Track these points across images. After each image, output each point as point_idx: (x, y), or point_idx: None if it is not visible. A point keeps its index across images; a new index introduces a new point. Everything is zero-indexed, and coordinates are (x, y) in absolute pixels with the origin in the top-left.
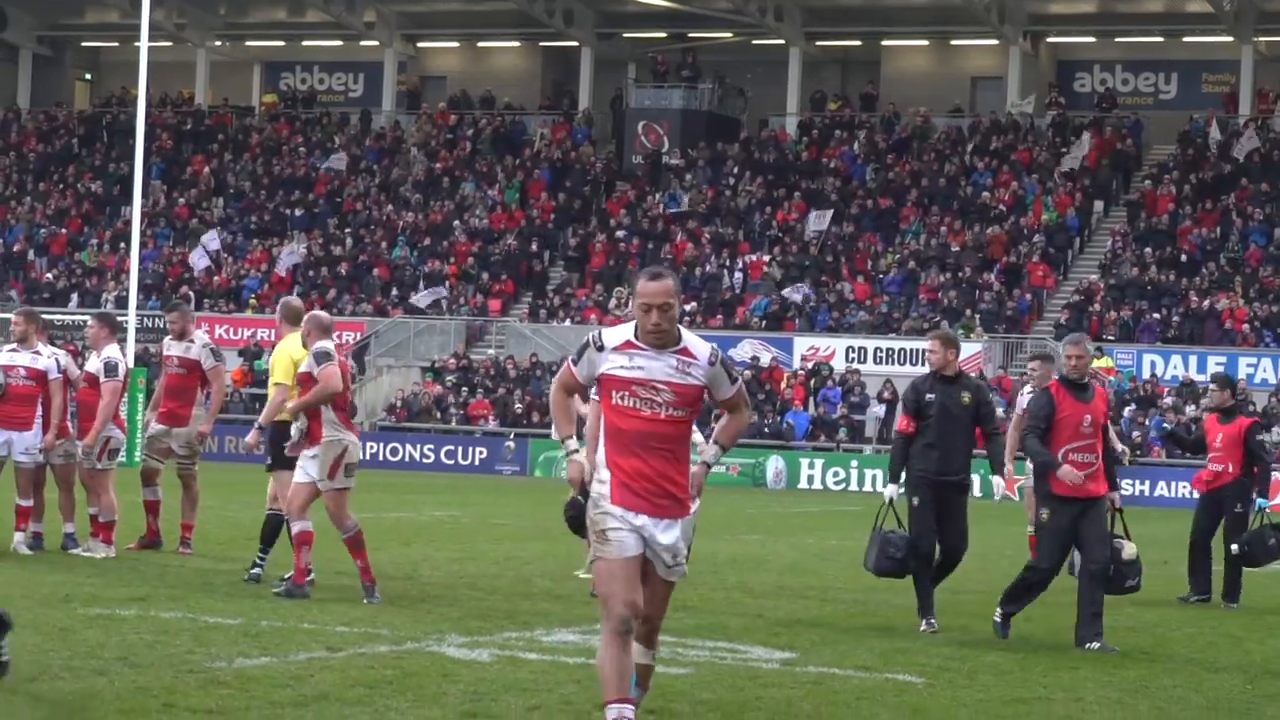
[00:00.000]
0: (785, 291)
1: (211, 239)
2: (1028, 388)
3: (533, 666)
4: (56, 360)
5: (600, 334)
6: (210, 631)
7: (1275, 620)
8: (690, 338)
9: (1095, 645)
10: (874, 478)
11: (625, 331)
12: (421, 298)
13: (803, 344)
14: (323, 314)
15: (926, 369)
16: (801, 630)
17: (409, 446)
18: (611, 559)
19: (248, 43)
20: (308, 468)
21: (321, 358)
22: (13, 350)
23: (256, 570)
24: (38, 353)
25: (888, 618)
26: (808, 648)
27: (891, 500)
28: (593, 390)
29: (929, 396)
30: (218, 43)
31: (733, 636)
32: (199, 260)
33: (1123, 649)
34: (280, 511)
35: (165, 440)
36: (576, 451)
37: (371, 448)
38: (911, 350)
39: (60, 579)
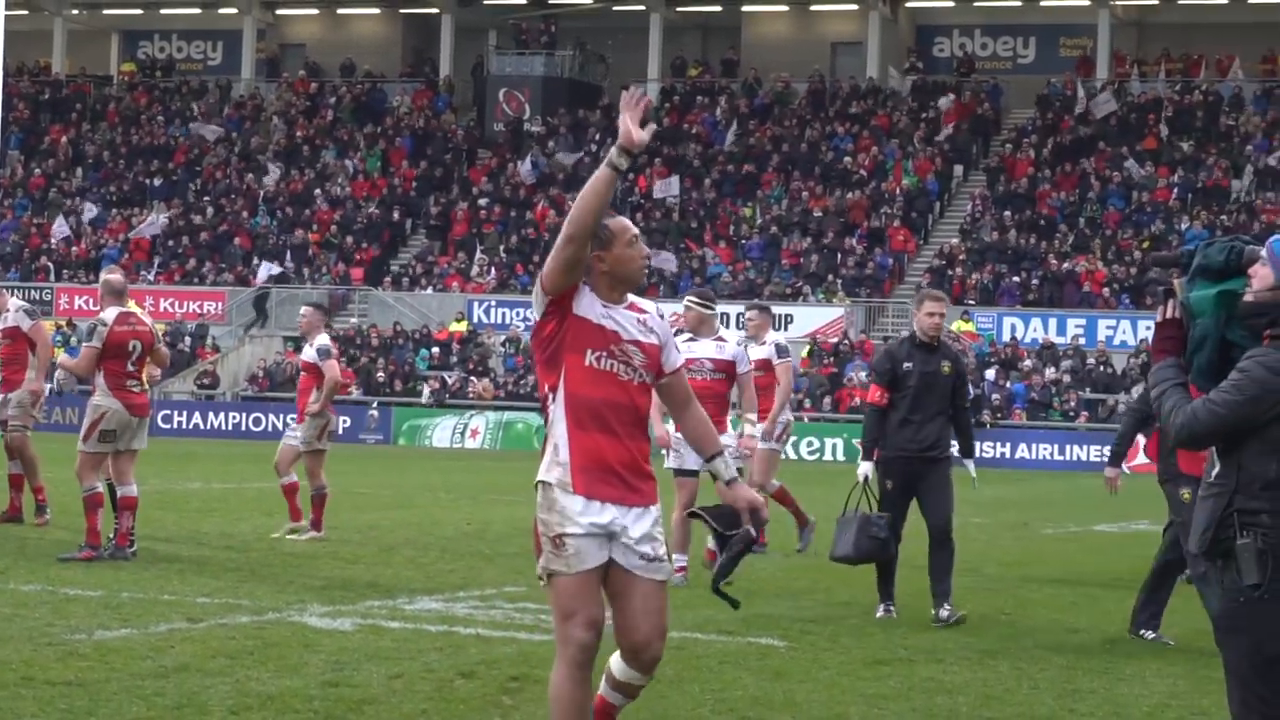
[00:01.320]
0: (654, 262)
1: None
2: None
3: (395, 635)
4: None
5: None
6: (70, 604)
7: (1134, 580)
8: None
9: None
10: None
11: None
12: (262, 270)
13: (666, 310)
14: (114, 277)
15: (905, 333)
16: None
17: (271, 416)
18: (570, 573)
19: (105, 11)
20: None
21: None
22: None
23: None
24: None
25: (751, 582)
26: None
27: (866, 479)
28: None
29: (907, 365)
30: (74, 11)
31: None
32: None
33: (984, 611)
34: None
35: (4, 410)
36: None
37: (234, 418)
38: (776, 315)
39: None
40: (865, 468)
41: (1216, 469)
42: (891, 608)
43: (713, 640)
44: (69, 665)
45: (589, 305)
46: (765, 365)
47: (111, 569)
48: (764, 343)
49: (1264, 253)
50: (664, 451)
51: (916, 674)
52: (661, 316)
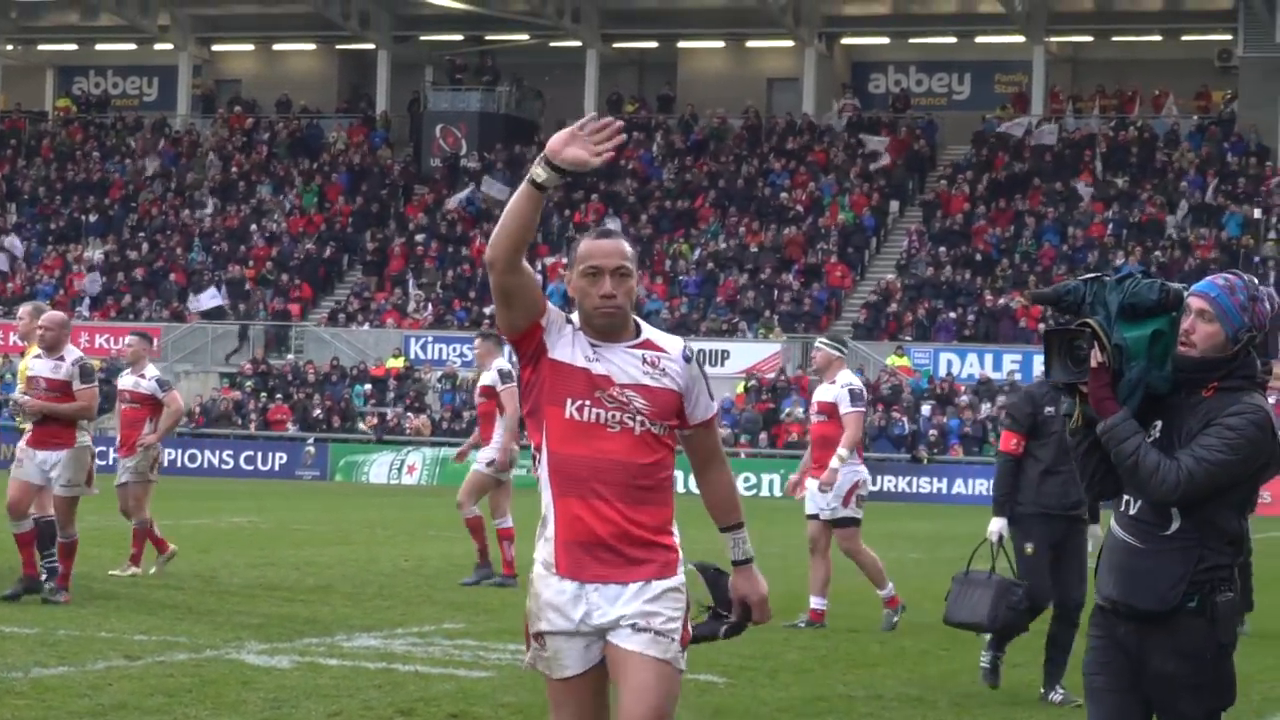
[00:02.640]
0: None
1: (210, 296)
2: None
3: (333, 672)
4: None
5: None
6: (6, 641)
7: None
8: (650, 328)
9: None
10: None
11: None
12: (202, 299)
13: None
14: (55, 313)
15: (1032, 380)
16: None
17: (208, 452)
18: (553, 677)
19: (40, 46)
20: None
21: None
22: None
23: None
24: None
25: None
26: None
27: (1000, 538)
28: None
29: (1048, 410)
30: (9, 46)
31: (488, 638)
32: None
33: (923, 647)
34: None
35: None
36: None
37: (170, 454)
38: (711, 351)
39: None
40: (998, 525)
41: (1177, 524)
42: (1065, 690)
43: None
44: (5, 704)
45: (570, 346)
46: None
47: (47, 607)
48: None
49: (1206, 305)
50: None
51: (856, 710)
52: (689, 359)
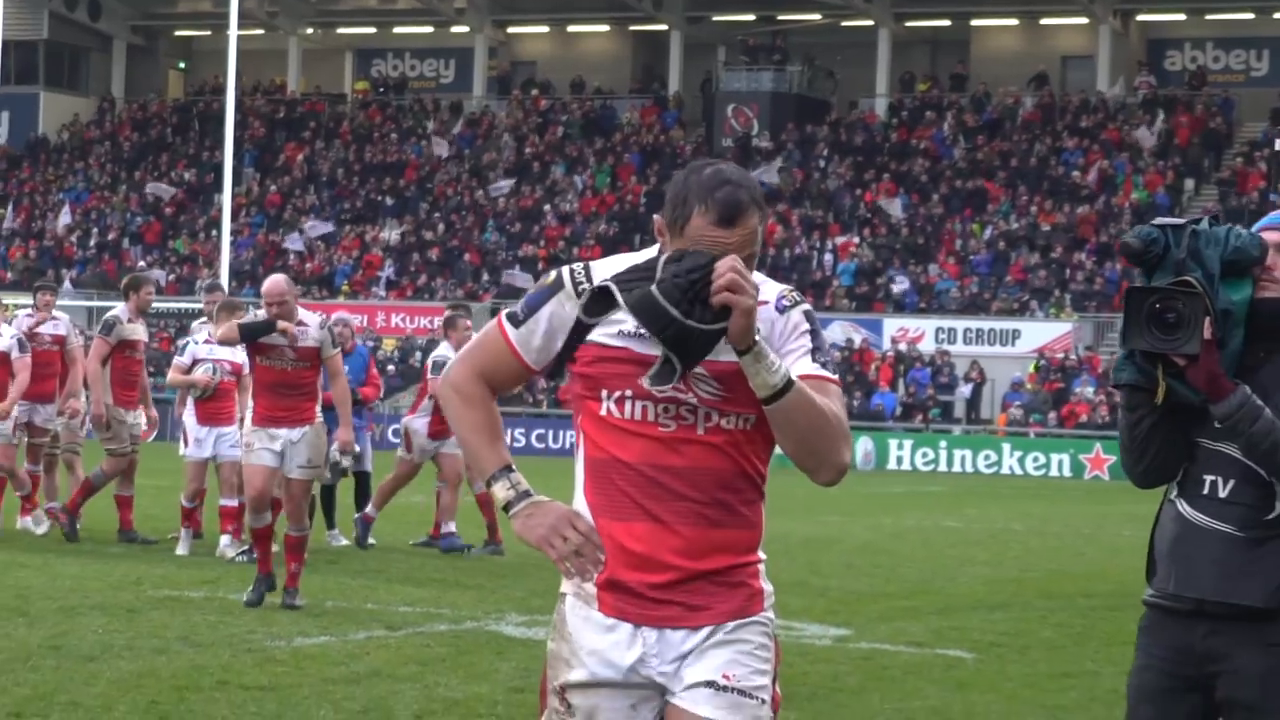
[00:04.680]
0: (892, 286)
1: (314, 227)
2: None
3: None
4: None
5: (588, 268)
6: (274, 612)
7: None
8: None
9: None
10: (962, 458)
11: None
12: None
13: (892, 325)
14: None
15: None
16: (860, 607)
17: (507, 429)
18: None
19: (339, 30)
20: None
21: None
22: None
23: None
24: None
25: (950, 596)
26: (863, 625)
27: None
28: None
29: None
30: (309, 30)
31: (790, 615)
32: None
33: None
34: None
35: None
36: (529, 494)
37: None
38: (1001, 330)
39: (135, 566)
40: None
41: None
42: None
43: (900, 651)
44: (265, 670)
45: (609, 319)
46: None
47: (320, 576)
48: None
49: None
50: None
51: (1100, 686)
52: (787, 308)
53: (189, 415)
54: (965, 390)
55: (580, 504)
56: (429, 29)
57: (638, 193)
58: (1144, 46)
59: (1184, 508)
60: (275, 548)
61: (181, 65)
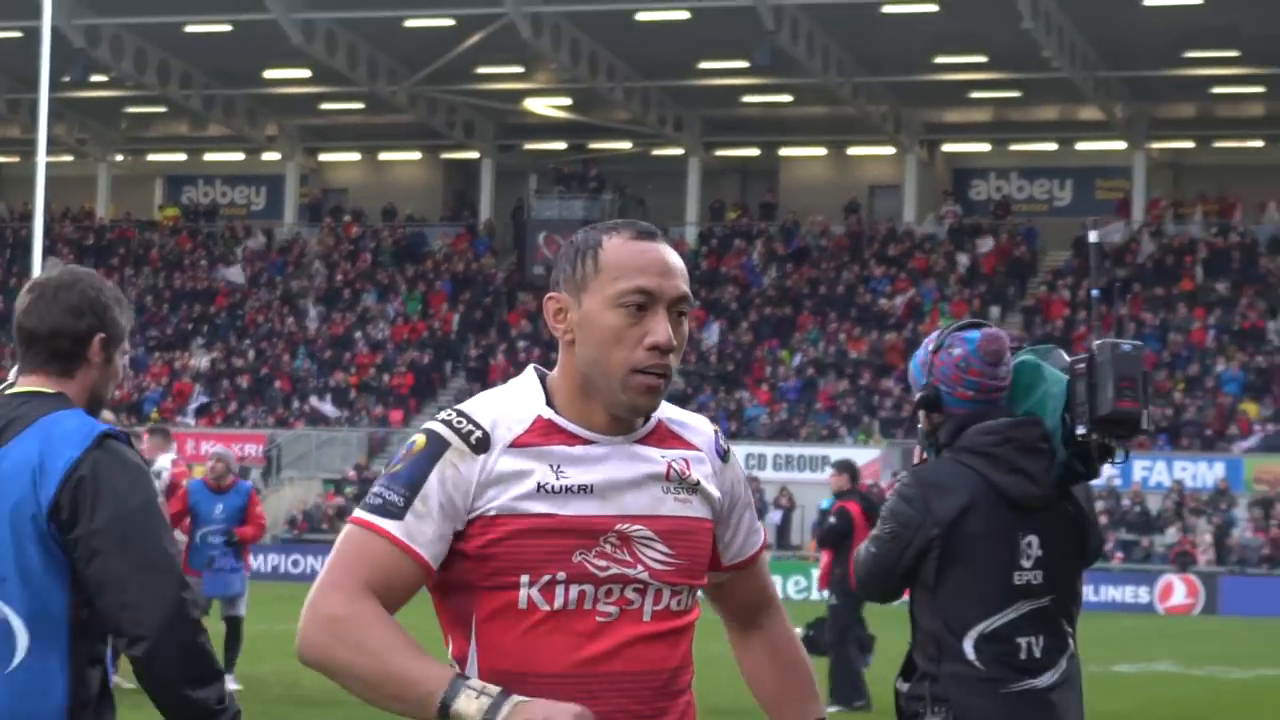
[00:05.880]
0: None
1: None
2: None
3: None
4: None
5: (465, 413)
6: None
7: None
8: (668, 405)
9: None
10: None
11: (526, 399)
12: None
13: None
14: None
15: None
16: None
17: (309, 558)
18: None
19: (149, 156)
20: None
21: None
22: None
23: None
24: None
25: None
26: None
27: None
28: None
29: None
30: (119, 157)
31: None
32: None
33: None
34: None
35: None
36: (506, 691)
37: (273, 560)
38: (810, 457)
39: None
40: None
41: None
42: None
43: None
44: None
45: (516, 476)
46: None
47: None
48: None
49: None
50: None
51: None
52: (725, 454)
53: None
54: (775, 516)
55: None
56: (240, 156)
57: (449, 320)
58: (950, 176)
59: None
60: None
61: None
